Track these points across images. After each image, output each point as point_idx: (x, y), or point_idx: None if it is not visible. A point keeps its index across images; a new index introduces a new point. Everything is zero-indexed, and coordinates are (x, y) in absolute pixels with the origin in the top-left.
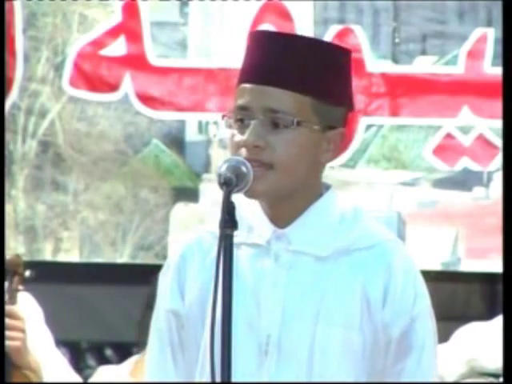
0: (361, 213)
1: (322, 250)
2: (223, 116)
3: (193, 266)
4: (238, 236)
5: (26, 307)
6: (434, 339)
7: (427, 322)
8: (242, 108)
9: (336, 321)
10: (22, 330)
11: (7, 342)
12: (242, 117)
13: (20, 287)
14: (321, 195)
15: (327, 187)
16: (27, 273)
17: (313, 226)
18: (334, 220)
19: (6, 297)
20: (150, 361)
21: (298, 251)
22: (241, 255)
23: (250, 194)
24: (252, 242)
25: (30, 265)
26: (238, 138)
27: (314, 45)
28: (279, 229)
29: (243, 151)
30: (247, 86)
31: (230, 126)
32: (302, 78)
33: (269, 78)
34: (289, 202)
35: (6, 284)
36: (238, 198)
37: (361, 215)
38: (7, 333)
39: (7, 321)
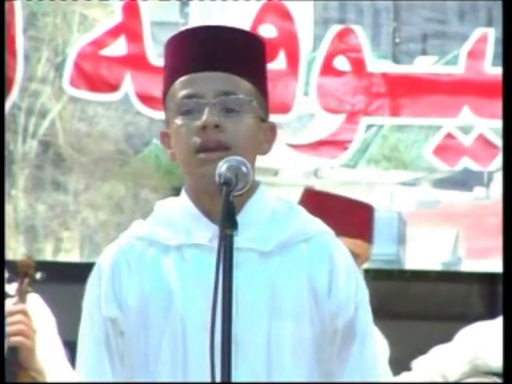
0: (294, 207)
1: (265, 245)
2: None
3: (127, 272)
4: (176, 239)
5: (39, 315)
6: (373, 327)
7: (368, 311)
8: (191, 96)
9: (287, 314)
10: (33, 330)
11: (18, 338)
12: (191, 107)
13: (30, 289)
14: (253, 190)
15: (257, 182)
16: (38, 275)
17: (253, 223)
18: (267, 215)
19: (16, 298)
20: (86, 371)
21: (242, 248)
22: (184, 256)
23: None
24: (194, 243)
25: None
26: (190, 127)
27: (246, 34)
28: None
29: (201, 135)
30: (190, 76)
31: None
32: (249, 66)
33: (216, 65)
34: None
35: (16, 285)
36: (167, 201)
37: (294, 209)
38: (18, 328)
39: (20, 317)
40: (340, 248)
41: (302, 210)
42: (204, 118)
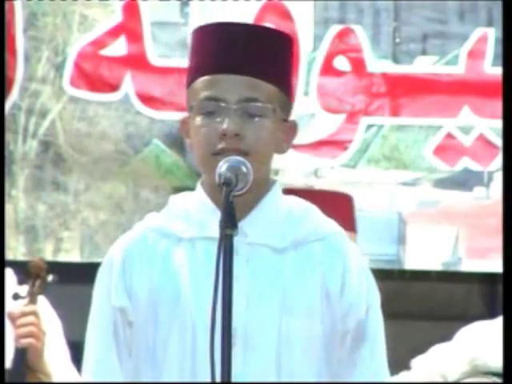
0: (309, 206)
1: (279, 242)
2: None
3: (139, 264)
4: (190, 231)
5: (46, 316)
6: (383, 329)
7: (379, 314)
8: (213, 99)
9: (299, 312)
10: (43, 332)
11: (28, 340)
12: (212, 109)
13: (41, 291)
14: (268, 189)
15: (273, 181)
16: (50, 277)
17: (267, 219)
18: (283, 213)
19: (27, 300)
20: (94, 360)
21: (255, 244)
22: (197, 249)
23: None
24: (207, 236)
25: None
26: (210, 129)
27: (275, 33)
28: None
29: (221, 141)
30: (215, 77)
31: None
32: (273, 68)
33: (243, 68)
34: (245, 193)
35: (27, 287)
36: (182, 194)
37: (309, 209)
38: (29, 329)
39: (32, 319)
40: (353, 248)
41: (317, 210)
42: (225, 126)
